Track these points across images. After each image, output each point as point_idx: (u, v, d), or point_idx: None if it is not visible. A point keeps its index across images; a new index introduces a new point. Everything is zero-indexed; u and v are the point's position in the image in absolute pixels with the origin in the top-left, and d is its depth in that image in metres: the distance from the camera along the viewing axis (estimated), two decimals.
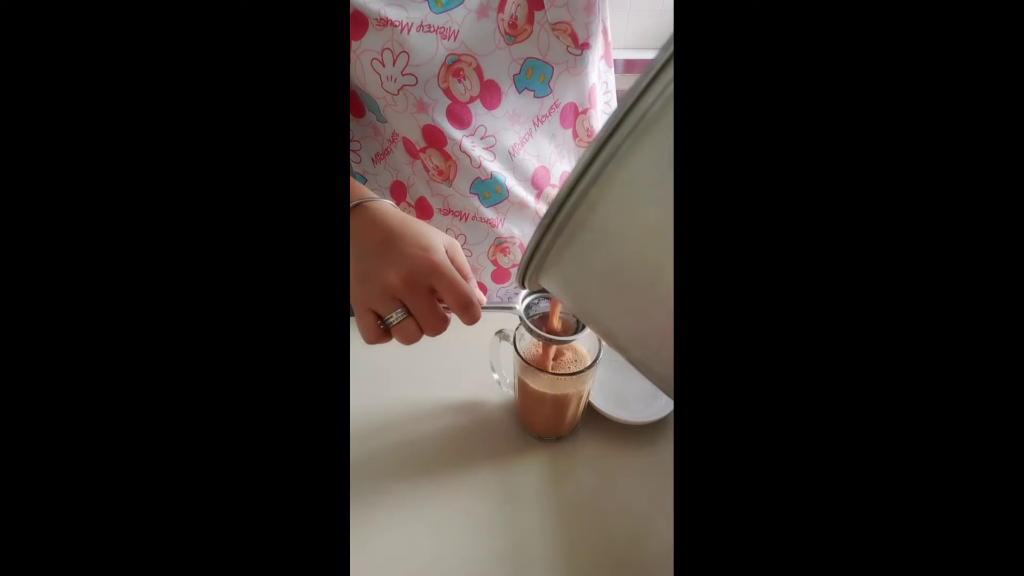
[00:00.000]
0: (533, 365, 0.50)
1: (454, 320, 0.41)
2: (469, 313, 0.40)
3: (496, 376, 0.60)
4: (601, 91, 0.68)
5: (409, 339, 0.40)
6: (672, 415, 0.55)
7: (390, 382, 0.59)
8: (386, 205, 0.44)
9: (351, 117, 0.63)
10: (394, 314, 0.39)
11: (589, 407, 0.58)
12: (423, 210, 0.67)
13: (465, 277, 0.41)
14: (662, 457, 0.50)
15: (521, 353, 0.51)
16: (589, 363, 0.51)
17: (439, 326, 0.40)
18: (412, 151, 0.60)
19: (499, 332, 0.55)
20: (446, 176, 0.62)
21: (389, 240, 0.40)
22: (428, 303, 0.39)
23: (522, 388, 0.54)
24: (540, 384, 0.51)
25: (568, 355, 0.54)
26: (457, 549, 0.44)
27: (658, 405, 0.56)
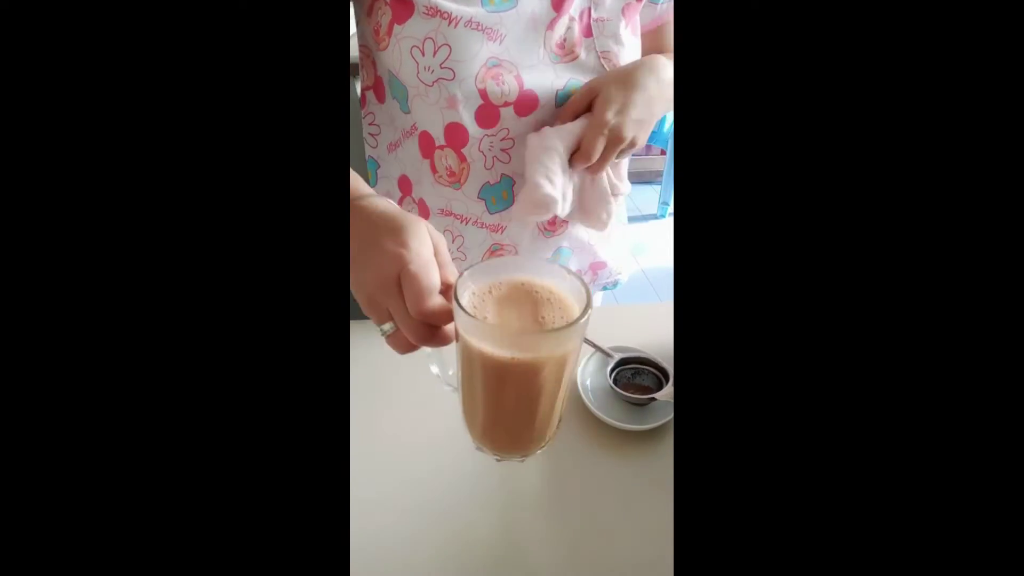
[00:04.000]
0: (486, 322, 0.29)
1: None
2: (421, 317, 0.33)
3: (435, 369, 0.39)
4: None
5: (401, 349, 0.36)
6: (672, 421, 0.52)
7: (389, 384, 0.57)
8: (380, 202, 0.40)
9: (376, 101, 0.62)
10: (384, 326, 0.36)
11: (587, 413, 0.51)
12: (422, 210, 0.65)
13: (443, 279, 0.35)
14: (662, 463, 0.48)
15: (465, 307, 0.30)
16: (576, 316, 0.30)
17: (420, 335, 0.34)
18: (428, 147, 0.59)
19: None
20: (456, 179, 0.60)
21: (371, 239, 0.36)
22: (401, 306, 0.34)
23: (470, 368, 0.33)
24: (499, 349, 0.29)
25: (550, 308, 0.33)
26: (456, 555, 0.42)
27: (658, 412, 0.52)
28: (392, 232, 0.35)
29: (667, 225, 2.57)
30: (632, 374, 0.55)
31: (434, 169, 0.60)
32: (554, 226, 0.66)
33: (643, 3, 0.58)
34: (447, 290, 0.33)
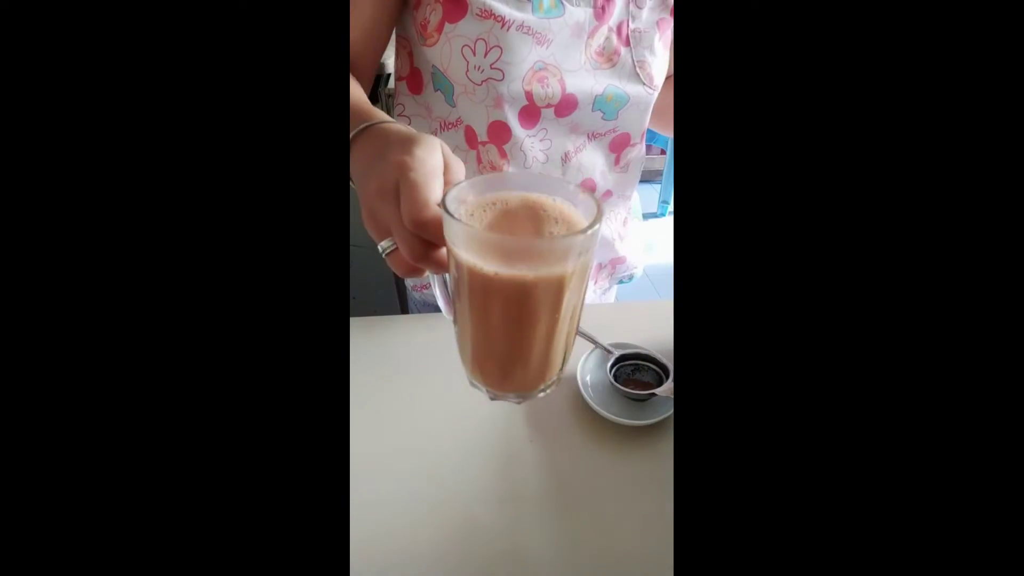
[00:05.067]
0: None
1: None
2: (416, 227, 0.30)
3: (441, 301, 0.37)
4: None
5: (400, 269, 0.33)
6: (672, 417, 0.53)
7: (389, 381, 0.58)
8: (398, 123, 0.39)
9: (408, 92, 0.65)
10: (384, 243, 0.34)
11: (587, 409, 0.52)
12: None
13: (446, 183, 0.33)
14: (662, 459, 0.49)
15: (453, 212, 0.28)
16: (586, 226, 0.27)
17: (415, 250, 0.31)
18: (472, 141, 0.62)
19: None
20: (497, 170, 0.63)
21: (381, 152, 0.34)
22: (397, 216, 0.31)
23: (457, 284, 0.30)
24: (483, 260, 0.27)
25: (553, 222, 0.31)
26: (456, 552, 0.43)
27: (658, 407, 0.53)
28: (401, 143, 0.33)
29: (667, 223, 2.61)
30: (632, 370, 0.56)
31: (479, 160, 0.63)
32: None
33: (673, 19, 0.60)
34: None
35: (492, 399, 0.34)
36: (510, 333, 0.30)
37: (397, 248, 0.32)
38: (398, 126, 0.38)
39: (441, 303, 0.37)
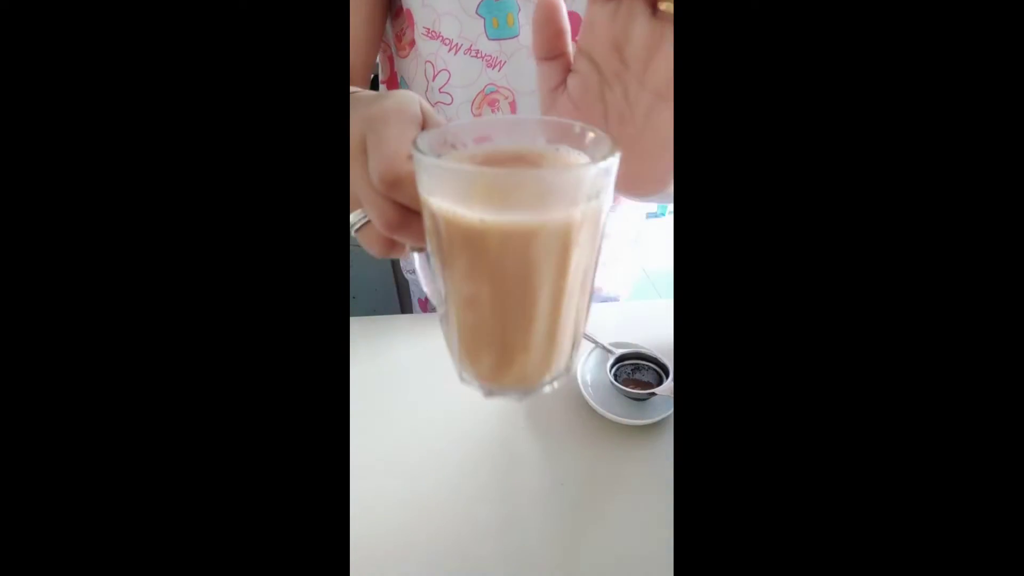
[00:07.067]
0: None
1: None
2: (386, 187, 0.25)
3: (425, 286, 0.31)
4: None
5: (374, 246, 0.28)
6: (672, 416, 0.53)
7: (389, 381, 0.58)
8: (367, 91, 0.34)
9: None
10: (353, 216, 0.29)
11: (587, 409, 0.52)
12: None
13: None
14: (662, 459, 0.48)
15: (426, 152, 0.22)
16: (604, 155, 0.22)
17: (387, 216, 0.26)
18: None
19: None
20: None
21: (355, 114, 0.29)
22: (364, 176, 0.26)
23: (436, 244, 0.24)
24: (464, 206, 0.21)
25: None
26: (456, 550, 0.42)
27: (658, 407, 0.52)
28: (370, 99, 0.28)
29: (667, 223, 2.57)
30: (632, 370, 0.56)
31: None
32: None
33: None
34: None
35: (487, 396, 0.27)
36: (505, 303, 0.23)
37: (369, 221, 0.28)
38: (371, 91, 0.33)
39: (425, 285, 0.31)
